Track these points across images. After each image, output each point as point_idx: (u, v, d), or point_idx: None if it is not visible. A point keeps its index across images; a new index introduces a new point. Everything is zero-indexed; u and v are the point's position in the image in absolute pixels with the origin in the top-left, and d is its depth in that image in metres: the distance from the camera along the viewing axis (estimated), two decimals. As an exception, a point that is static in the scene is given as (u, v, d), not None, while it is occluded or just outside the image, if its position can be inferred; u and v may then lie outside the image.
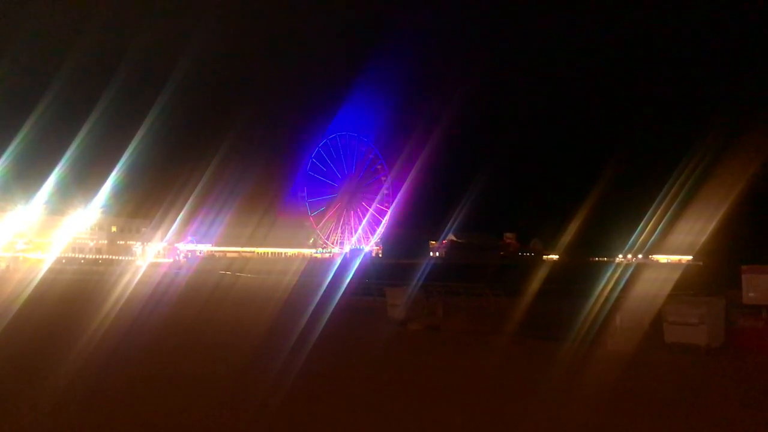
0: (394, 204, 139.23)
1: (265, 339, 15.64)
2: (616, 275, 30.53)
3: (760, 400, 9.76)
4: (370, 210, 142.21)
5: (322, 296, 24.74)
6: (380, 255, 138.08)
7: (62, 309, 23.29)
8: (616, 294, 20.14)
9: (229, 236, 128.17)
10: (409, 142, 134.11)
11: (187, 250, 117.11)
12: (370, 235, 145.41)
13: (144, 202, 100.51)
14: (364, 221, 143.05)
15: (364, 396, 9.85)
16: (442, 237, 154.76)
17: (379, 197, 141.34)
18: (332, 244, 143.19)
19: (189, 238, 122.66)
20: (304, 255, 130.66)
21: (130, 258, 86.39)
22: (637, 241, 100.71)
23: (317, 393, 9.96)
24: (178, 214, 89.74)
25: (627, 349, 13.57)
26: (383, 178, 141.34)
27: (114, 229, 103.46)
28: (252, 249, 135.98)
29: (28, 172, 76.20)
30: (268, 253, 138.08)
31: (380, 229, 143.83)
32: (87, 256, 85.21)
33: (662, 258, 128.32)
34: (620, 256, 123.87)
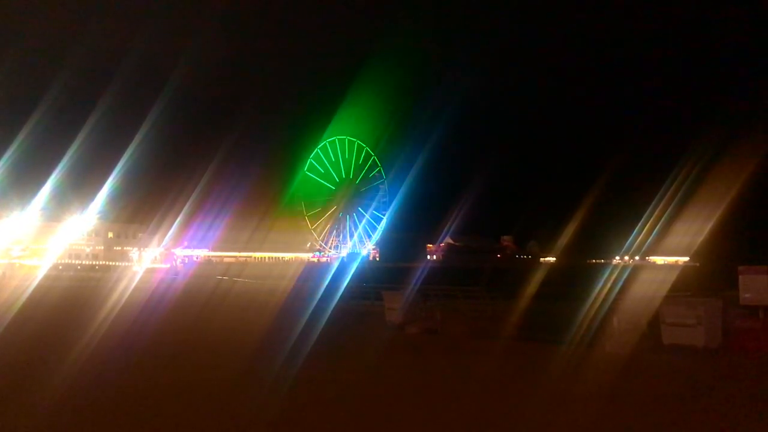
0: (391, 208, 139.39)
1: (262, 344, 15.61)
2: (614, 277, 30.52)
3: (757, 400, 9.76)
4: (367, 214, 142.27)
5: (319, 300, 24.67)
6: (377, 259, 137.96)
7: (59, 315, 23.20)
8: (613, 296, 20.15)
9: (226, 241, 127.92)
10: (406, 146, 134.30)
11: (184, 256, 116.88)
12: (367, 239, 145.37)
13: (141, 207, 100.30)
14: (361, 225, 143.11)
15: (362, 400, 9.82)
16: (439, 240, 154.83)
17: (375, 202, 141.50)
18: (329, 248, 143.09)
19: (185, 243, 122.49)
20: (301, 259, 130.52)
21: (126, 264, 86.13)
22: (634, 242, 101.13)
23: (314, 398, 9.92)
24: (175, 220, 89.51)
25: (625, 351, 13.58)
26: (380, 183, 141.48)
27: (111, 234, 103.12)
28: (249, 254, 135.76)
29: (25, 179, 76.01)
30: (265, 257, 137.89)
31: (377, 233, 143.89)
32: (84, 262, 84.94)
33: (659, 259, 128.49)
34: (617, 257, 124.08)
